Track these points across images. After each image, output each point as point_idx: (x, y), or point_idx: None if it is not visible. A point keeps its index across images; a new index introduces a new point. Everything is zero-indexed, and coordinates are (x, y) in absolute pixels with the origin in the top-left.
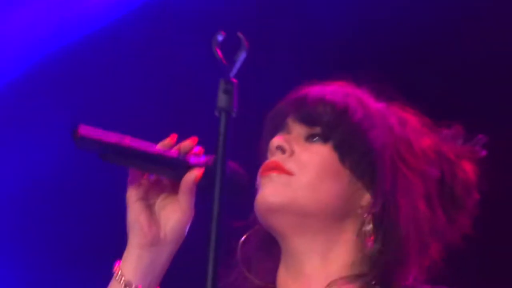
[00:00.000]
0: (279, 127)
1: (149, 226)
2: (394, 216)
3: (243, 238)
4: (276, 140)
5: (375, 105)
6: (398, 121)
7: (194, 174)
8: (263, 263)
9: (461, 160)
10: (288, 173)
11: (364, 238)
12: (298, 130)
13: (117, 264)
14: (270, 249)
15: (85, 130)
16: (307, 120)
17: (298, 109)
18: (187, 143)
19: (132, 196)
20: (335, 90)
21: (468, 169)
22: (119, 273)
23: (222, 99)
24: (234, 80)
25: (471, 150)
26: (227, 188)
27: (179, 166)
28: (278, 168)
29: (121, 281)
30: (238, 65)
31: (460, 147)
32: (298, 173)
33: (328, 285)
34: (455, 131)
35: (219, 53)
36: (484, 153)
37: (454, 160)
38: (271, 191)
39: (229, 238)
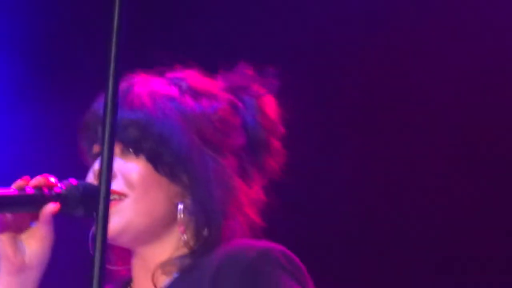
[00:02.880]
0: (94, 139)
1: (14, 255)
2: (206, 199)
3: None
4: (98, 168)
5: (174, 96)
6: (192, 99)
7: (50, 208)
8: (118, 254)
9: (259, 100)
10: (120, 194)
11: (181, 228)
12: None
13: None
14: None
15: None
16: (117, 138)
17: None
18: (39, 180)
19: None
20: (139, 94)
21: (267, 107)
22: None
23: None
24: None
25: (265, 85)
26: (87, 203)
27: (36, 201)
28: (114, 193)
29: None
30: None
31: (253, 87)
32: (129, 193)
33: (156, 268)
34: (244, 72)
35: None
36: (276, 82)
37: (255, 104)
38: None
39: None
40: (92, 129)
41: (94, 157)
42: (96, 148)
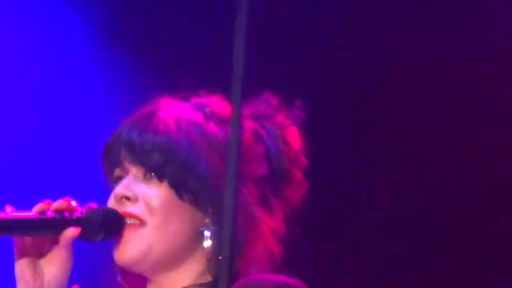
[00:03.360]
0: (116, 163)
1: (33, 279)
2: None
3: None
4: (119, 192)
5: (197, 122)
6: (216, 125)
7: (70, 232)
8: (134, 278)
9: (283, 130)
10: (141, 220)
11: (206, 253)
12: (134, 171)
13: None
14: None
15: None
16: (139, 162)
17: (129, 146)
18: (60, 203)
19: (17, 255)
20: (162, 119)
21: (291, 137)
22: None
23: None
24: None
25: (290, 117)
26: (107, 226)
27: (56, 225)
28: (132, 217)
29: None
30: None
31: (278, 117)
32: (149, 220)
33: None
34: (268, 101)
35: None
36: (303, 116)
37: (276, 134)
38: (123, 253)
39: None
40: (114, 153)
41: (115, 181)
42: (117, 172)
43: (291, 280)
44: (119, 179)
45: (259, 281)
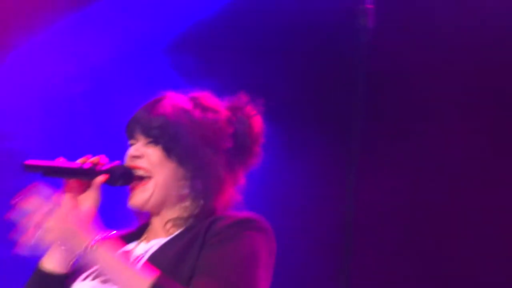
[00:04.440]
0: (132, 134)
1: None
2: (202, 181)
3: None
4: (131, 153)
5: (188, 109)
6: (201, 111)
7: (100, 178)
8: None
9: (249, 118)
10: (146, 170)
11: (186, 199)
12: (141, 138)
13: None
14: None
15: (28, 161)
16: (145, 132)
17: (139, 122)
18: (95, 158)
19: (65, 192)
20: (163, 105)
21: (255, 123)
22: None
23: None
24: None
25: (253, 108)
26: (123, 176)
27: (92, 173)
28: (139, 169)
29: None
30: None
31: (248, 109)
32: (152, 171)
33: (167, 222)
34: (240, 99)
35: None
36: (261, 107)
37: (243, 120)
38: (135, 200)
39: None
40: (130, 128)
41: (130, 146)
42: (132, 141)
43: (253, 214)
44: (131, 145)
45: (229, 213)
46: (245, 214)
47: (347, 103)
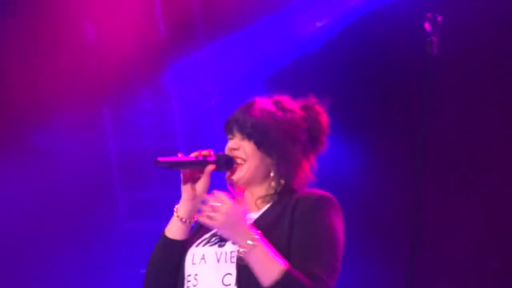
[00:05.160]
0: (230, 131)
1: (192, 191)
2: (285, 167)
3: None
4: (230, 146)
5: (276, 108)
6: (282, 112)
7: (210, 167)
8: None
9: (318, 115)
10: (242, 159)
11: (272, 180)
12: (237, 134)
13: (175, 207)
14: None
15: (160, 158)
16: (240, 129)
17: (236, 121)
18: (205, 152)
19: (184, 179)
20: (255, 108)
21: (322, 119)
22: (176, 212)
23: None
24: None
25: (321, 107)
26: (227, 164)
27: (203, 164)
28: (238, 158)
29: (177, 217)
30: None
31: (317, 107)
32: (246, 158)
33: (257, 199)
34: (310, 99)
35: None
36: (326, 106)
37: (314, 117)
38: (234, 177)
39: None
40: (229, 126)
41: (229, 141)
42: (229, 136)
43: (326, 192)
44: (230, 139)
45: (311, 190)
46: (321, 192)
47: (416, 114)
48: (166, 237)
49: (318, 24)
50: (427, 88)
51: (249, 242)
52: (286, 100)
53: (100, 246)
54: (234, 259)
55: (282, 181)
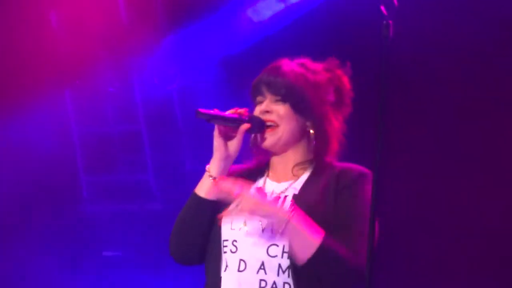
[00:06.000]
0: (260, 91)
1: (225, 149)
2: (322, 128)
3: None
4: (263, 108)
5: (306, 69)
6: (312, 74)
7: (244, 126)
8: (260, 156)
9: (342, 77)
10: (275, 122)
11: (310, 141)
12: (269, 96)
13: (207, 166)
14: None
15: (201, 110)
16: (273, 92)
17: (268, 84)
18: (241, 110)
19: (216, 135)
20: (285, 70)
21: (346, 81)
22: (208, 171)
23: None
24: None
25: (345, 70)
26: (259, 126)
27: (238, 122)
28: (270, 121)
29: (209, 176)
30: None
31: (339, 70)
32: (280, 122)
33: (294, 166)
34: (333, 62)
35: None
36: (349, 69)
37: (339, 79)
38: (268, 141)
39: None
40: (258, 87)
41: (258, 103)
42: (259, 98)
43: (363, 167)
44: (259, 102)
45: (352, 165)
46: (360, 167)
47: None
48: (198, 196)
49: (278, 8)
50: (384, 71)
51: (286, 214)
52: (310, 62)
53: (63, 230)
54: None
55: (320, 145)
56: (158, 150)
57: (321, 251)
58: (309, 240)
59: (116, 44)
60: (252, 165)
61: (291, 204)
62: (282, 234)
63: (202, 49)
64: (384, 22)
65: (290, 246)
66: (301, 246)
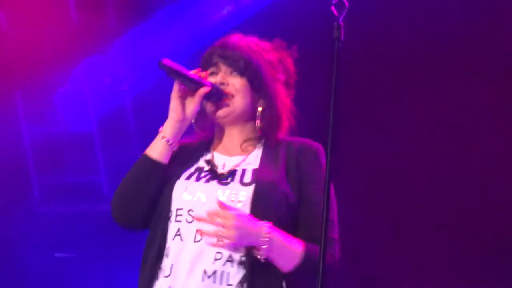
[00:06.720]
0: (212, 63)
1: (181, 111)
2: (275, 105)
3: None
4: (219, 80)
5: (259, 47)
6: (265, 52)
7: (204, 89)
8: (204, 131)
9: (288, 59)
10: (231, 94)
11: (257, 121)
12: (224, 68)
13: (160, 128)
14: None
15: (165, 61)
16: (230, 64)
17: (223, 54)
18: (203, 74)
19: (174, 95)
20: (241, 44)
21: (290, 63)
22: (162, 132)
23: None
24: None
25: (290, 52)
26: (217, 94)
27: (199, 84)
28: (226, 93)
29: (162, 138)
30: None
31: (284, 52)
32: (236, 94)
33: (243, 141)
34: (280, 43)
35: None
36: (295, 52)
37: (286, 60)
38: (222, 111)
39: None
40: (211, 59)
41: (210, 74)
42: (211, 69)
43: (317, 143)
44: (212, 73)
45: (307, 140)
46: (316, 144)
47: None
48: (150, 158)
49: (226, 10)
50: (335, 72)
51: (265, 238)
52: (259, 41)
53: (14, 231)
54: (244, 200)
55: (271, 120)
56: (109, 151)
57: (305, 258)
58: (292, 251)
59: (66, 44)
60: (195, 139)
61: (265, 223)
62: (267, 253)
63: (154, 49)
64: (335, 23)
65: (275, 260)
66: (287, 258)
